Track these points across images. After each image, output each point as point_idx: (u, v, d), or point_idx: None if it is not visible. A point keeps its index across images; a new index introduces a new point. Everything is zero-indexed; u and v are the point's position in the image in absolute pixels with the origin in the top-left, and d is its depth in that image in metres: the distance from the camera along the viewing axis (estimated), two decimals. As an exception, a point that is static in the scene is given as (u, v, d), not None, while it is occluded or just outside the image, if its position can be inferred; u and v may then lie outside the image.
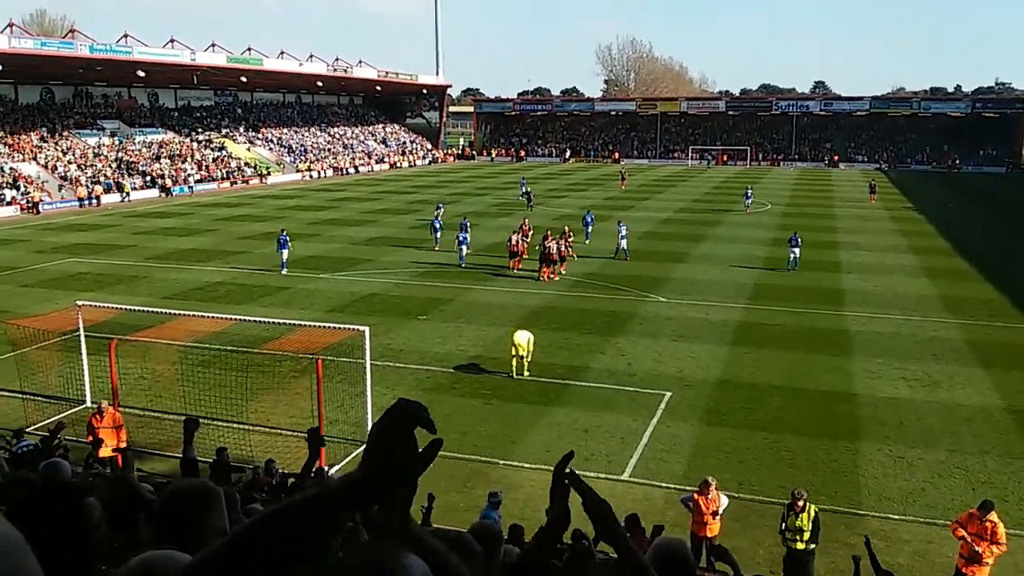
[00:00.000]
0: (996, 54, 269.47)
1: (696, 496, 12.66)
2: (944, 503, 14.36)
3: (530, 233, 36.95)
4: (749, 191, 56.31)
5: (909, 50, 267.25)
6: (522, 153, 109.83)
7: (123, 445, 15.26)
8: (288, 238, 34.38)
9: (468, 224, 38.42)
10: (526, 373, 20.82)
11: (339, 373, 19.14)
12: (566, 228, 35.63)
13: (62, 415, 17.95)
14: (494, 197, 61.47)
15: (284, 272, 33.42)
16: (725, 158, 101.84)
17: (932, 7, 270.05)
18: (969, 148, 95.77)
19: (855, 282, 32.26)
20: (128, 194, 62.67)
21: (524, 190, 57.19)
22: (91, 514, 3.40)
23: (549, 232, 33.89)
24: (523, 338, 20.79)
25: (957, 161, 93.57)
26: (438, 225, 39.84)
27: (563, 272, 33.00)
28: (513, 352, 20.86)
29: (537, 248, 33.46)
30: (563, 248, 32.74)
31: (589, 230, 41.01)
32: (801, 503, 11.95)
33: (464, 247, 35.16)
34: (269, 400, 19.13)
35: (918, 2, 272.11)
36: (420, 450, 1.72)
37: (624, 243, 36.47)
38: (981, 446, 16.85)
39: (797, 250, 34.73)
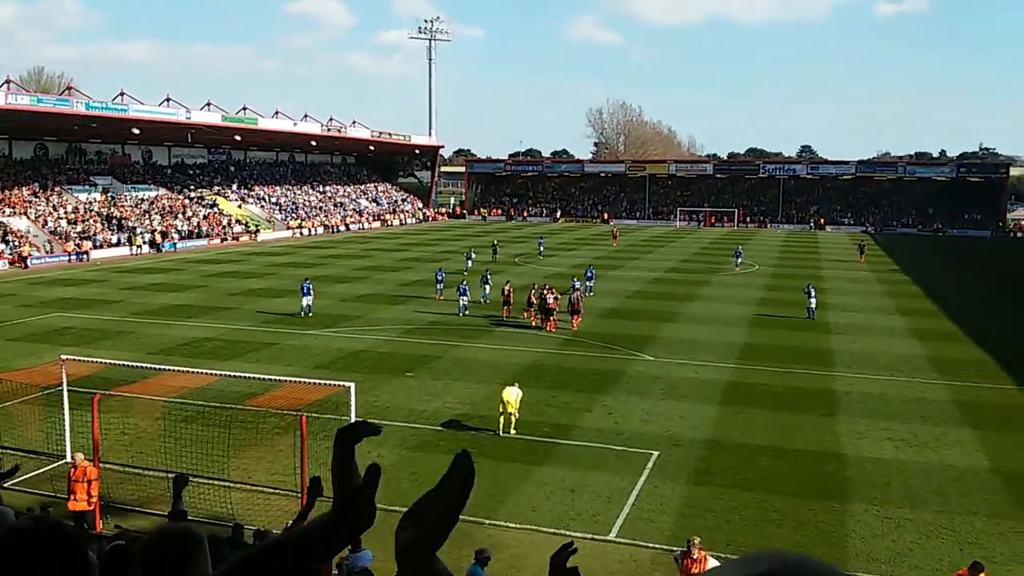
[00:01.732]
0: (980, 120, 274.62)
1: (683, 556, 12.53)
2: (932, 564, 14.22)
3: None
4: (739, 251, 57.48)
5: (894, 115, 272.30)
6: (512, 212, 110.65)
7: (93, 501, 15.07)
8: (311, 286, 37.22)
9: (489, 276, 41.85)
10: (512, 431, 20.67)
11: (323, 430, 18.95)
12: (548, 285, 36.18)
13: (41, 470, 17.75)
14: (486, 255, 61.57)
15: (303, 316, 35.98)
16: (713, 220, 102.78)
17: (917, 74, 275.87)
18: (954, 212, 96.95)
19: (843, 342, 32.33)
20: (140, 247, 64.46)
21: (540, 248, 62.82)
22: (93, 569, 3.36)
23: (547, 285, 35.76)
24: (512, 395, 20.67)
25: (940, 226, 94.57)
26: (441, 275, 42.19)
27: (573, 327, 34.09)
28: (501, 409, 20.74)
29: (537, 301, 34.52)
30: (551, 302, 33.76)
31: (591, 284, 42.30)
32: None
33: (465, 298, 37.23)
34: (252, 457, 18.91)
35: (903, 68, 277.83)
36: (361, 479, 1.74)
37: (591, 284, 41.49)
38: (969, 507, 16.75)
39: (813, 300, 37.21)
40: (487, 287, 40.55)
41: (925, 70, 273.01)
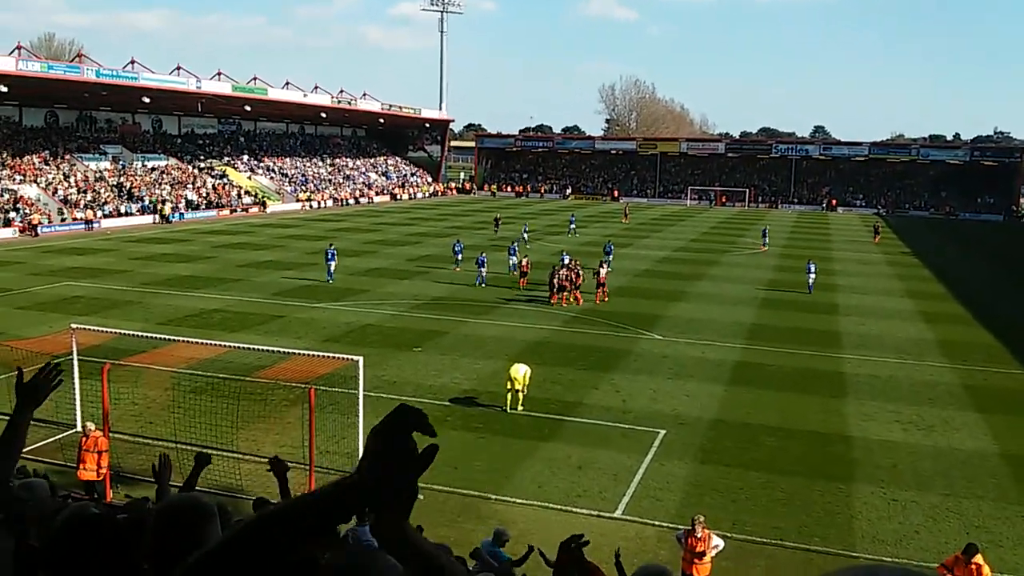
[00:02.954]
0: (995, 103, 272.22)
1: (687, 534, 12.56)
2: (938, 546, 14.22)
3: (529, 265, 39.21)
4: (766, 230, 58.83)
5: (909, 98, 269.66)
6: (520, 189, 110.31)
7: (103, 472, 15.17)
8: (336, 252, 39.29)
9: (516, 247, 43.31)
10: (520, 407, 20.70)
11: (331, 403, 19.06)
12: (576, 261, 37.46)
13: (51, 439, 17.86)
14: (493, 232, 61.46)
15: (330, 281, 37.75)
16: (724, 199, 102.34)
17: (932, 56, 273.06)
18: (967, 196, 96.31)
19: (852, 325, 32.25)
20: (168, 217, 65.37)
21: (572, 226, 61.62)
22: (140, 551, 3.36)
23: (575, 261, 36.51)
24: (520, 371, 20.67)
25: (952, 209, 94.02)
26: (459, 247, 43.67)
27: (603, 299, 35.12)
28: (508, 385, 20.74)
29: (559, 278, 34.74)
30: (576, 277, 34.67)
31: (609, 259, 42.09)
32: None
33: (483, 268, 38.29)
34: (260, 429, 18.99)
35: (918, 51, 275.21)
36: (418, 452, 1.74)
37: (609, 258, 40.97)
38: (975, 491, 16.74)
39: (812, 276, 38.80)
40: (513, 258, 41.74)
41: (941, 52, 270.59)
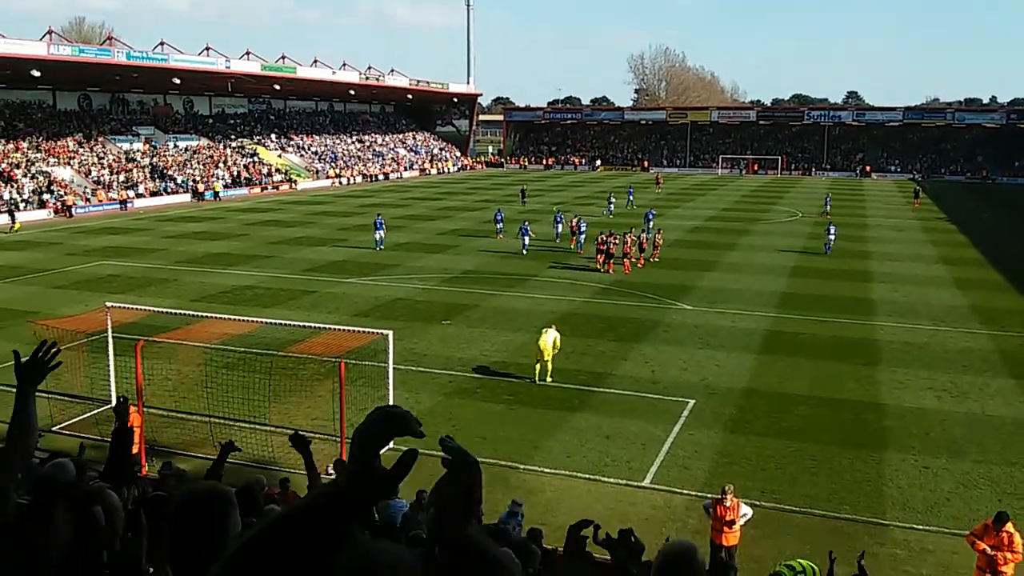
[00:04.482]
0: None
1: (715, 503, 12.56)
2: (969, 514, 14.10)
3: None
4: (828, 197, 59.47)
5: (943, 61, 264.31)
6: (550, 161, 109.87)
7: (135, 449, 15.41)
8: (383, 221, 41.30)
9: (561, 215, 44.71)
10: (549, 379, 20.75)
11: (362, 377, 19.22)
12: (632, 229, 39.14)
13: (87, 415, 18.21)
14: (520, 205, 61.32)
15: (379, 248, 39.87)
16: (756, 167, 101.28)
17: (967, 18, 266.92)
18: (1003, 159, 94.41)
19: (885, 292, 31.88)
20: (218, 193, 67.50)
21: (630, 198, 60.81)
22: (98, 519, 3.51)
23: (610, 231, 36.67)
24: (549, 340, 20.65)
25: (988, 173, 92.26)
26: (500, 216, 45.15)
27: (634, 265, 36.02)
28: (537, 356, 20.80)
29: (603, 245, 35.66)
30: (625, 246, 35.95)
31: (650, 225, 43.12)
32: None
33: (526, 237, 39.63)
34: (292, 402, 19.23)
35: (952, 13, 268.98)
36: (396, 461, 1.81)
37: (582, 238, 40.31)
38: (1008, 457, 16.56)
39: (832, 237, 40.04)
40: (559, 226, 43.33)
41: (976, 13, 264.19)
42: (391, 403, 17.07)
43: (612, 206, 56.63)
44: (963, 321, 27.54)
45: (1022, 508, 14.05)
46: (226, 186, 70.00)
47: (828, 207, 56.69)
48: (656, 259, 37.60)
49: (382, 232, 40.72)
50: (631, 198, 60.82)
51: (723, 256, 39.57)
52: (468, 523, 2.05)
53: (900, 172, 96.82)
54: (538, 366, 20.84)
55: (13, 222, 49.41)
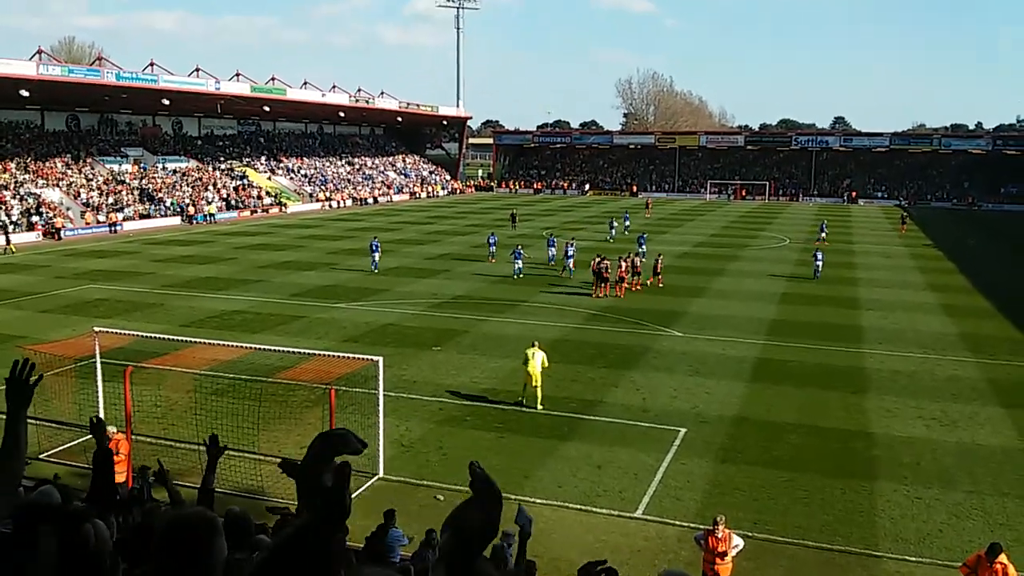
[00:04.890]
0: (1018, 92, 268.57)
1: (706, 535, 12.51)
2: (962, 545, 14.09)
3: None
4: (823, 224, 59.54)
5: (930, 87, 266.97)
6: (539, 185, 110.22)
7: (120, 478, 15.24)
8: (379, 244, 42.32)
9: (554, 239, 45.49)
10: (540, 406, 20.69)
11: (352, 403, 19.13)
12: (629, 254, 39.40)
13: (75, 442, 18.02)
14: (510, 229, 61.44)
15: (375, 271, 40.77)
16: (743, 192, 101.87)
17: (953, 45, 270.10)
18: (990, 186, 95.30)
19: (873, 319, 32.00)
20: (213, 215, 67.76)
21: (626, 223, 60.98)
22: (88, 538, 3.43)
23: (603, 256, 36.96)
24: (537, 365, 20.67)
25: (974, 200, 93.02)
26: (494, 239, 46.05)
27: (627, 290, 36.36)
28: (526, 380, 20.83)
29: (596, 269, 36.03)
30: (620, 271, 36.20)
31: (643, 249, 43.57)
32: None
33: (519, 261, 40.00)
34: (281, 430, 19.09)
35: (939, 40, 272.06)
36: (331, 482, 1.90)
37: (571, 263, 40.22)
38: (1000, 487, 16.57)
39: (820, 263, 40.83)
40: (552, 249, 44.20)
41: (963, 41, 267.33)
42: (380, 431, 17.02)
43: (614, 231, 57.19)
44: (952, 349, 27.65)
45: (1015, 539, 14.04)
46: (219, 208, 70.04)
47: (824, 234, 56.90)
48: (660, 284, 38.00)
49: (378, 255, 41.44)
50: (627, 223, 61.22)
51: (712, 282, 39.68)
52: (481, 552, 2.10)
53: (887, 198, 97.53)
54: (527, 389, 20.82)
55: (7, 243, 49.23)
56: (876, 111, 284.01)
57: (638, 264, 38.02)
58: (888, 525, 15.00)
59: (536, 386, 20.68)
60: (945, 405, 21.67)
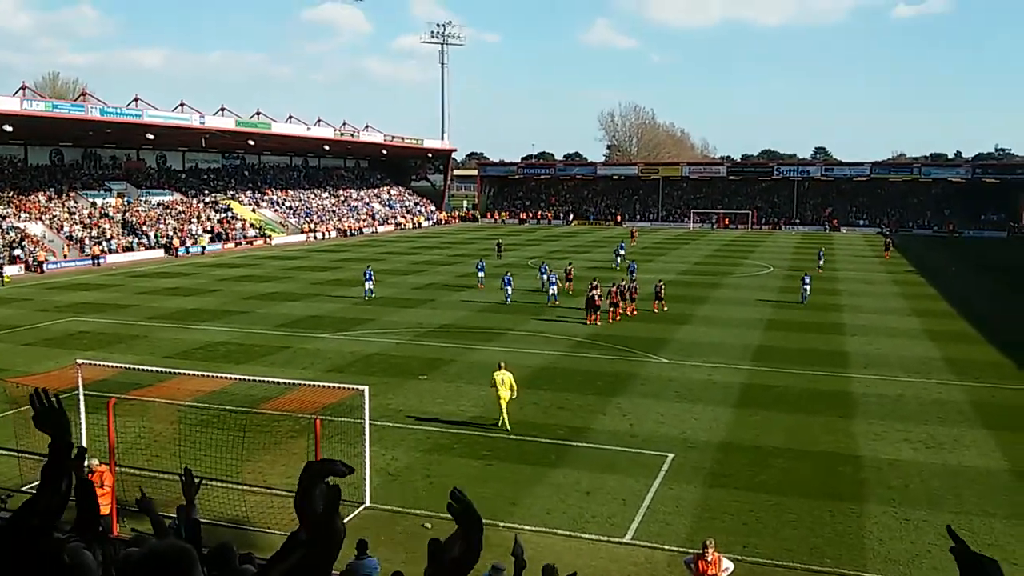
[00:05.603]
0: (996, 121, 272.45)
1: (696, 558, 12.46)
2: (951, 566, 13.82)
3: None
4: (821, 252, 60.57)
5: (909, 117, 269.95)
6: (524, 216, 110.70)
7: (105, 511, 15.06)
8: (373, 273, 43.42)
9: (546, 266, 46.40)
10: (506, 427, 21.06)
11: (338, 433, 19.02)
12: (621, 281, 40.09)
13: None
14: (496, 258, 61.59)
15: (367, 297, 41.48)
16: (727, 221, 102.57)
17: (933, 75, 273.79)
18: (970, 213, 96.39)
19: (858, 344, 32.16)
20: (204, 247, 68.38)
21: (621, 253, 60.71)
22: (65, 567, 3.33)
23: (595, 281, 37.44)
24: (505, 392, 21.01)
25: (955, 227, 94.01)
26: (482, 266, 47.47)
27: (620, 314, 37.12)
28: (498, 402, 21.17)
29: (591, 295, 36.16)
30: (612, 296, 36.79)
31: (633, 276, 44.01)
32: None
33: (509, 288, 40.86)
34: (267, 460, 18.95)
35: (919, 70, 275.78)
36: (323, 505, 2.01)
37: (554, 289, 40.86)
38: (986, 508, 16.60)
39: (807, 287, 41.72)
40: (543, 275, 45.04)
41: (941, 71, 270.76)
42: (366, 460, 16.92)
43: (620, 258, 58.64)
44: (937, 373, 27.78)
45: (1003, 559, 13.96)
46: (211, 240, 70.23)
47: (822, 261, 57.55)
48: (665, 309, 38.91)
49: (371, 283, 42.37)
50: (622, 251, 61.32)
51: (698, 309, 39.82)
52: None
53: (868, 226, 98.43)
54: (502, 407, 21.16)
55: (1, 275, 49.20)
56: (856, 141, 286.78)
57: (634, 289, 38.85)
58: (877, 546, 14.99)
59: (503, 409, 20.90)
60: (931, 428, 21.74)
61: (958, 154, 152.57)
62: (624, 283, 39.07)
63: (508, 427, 21.09)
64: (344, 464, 2.04)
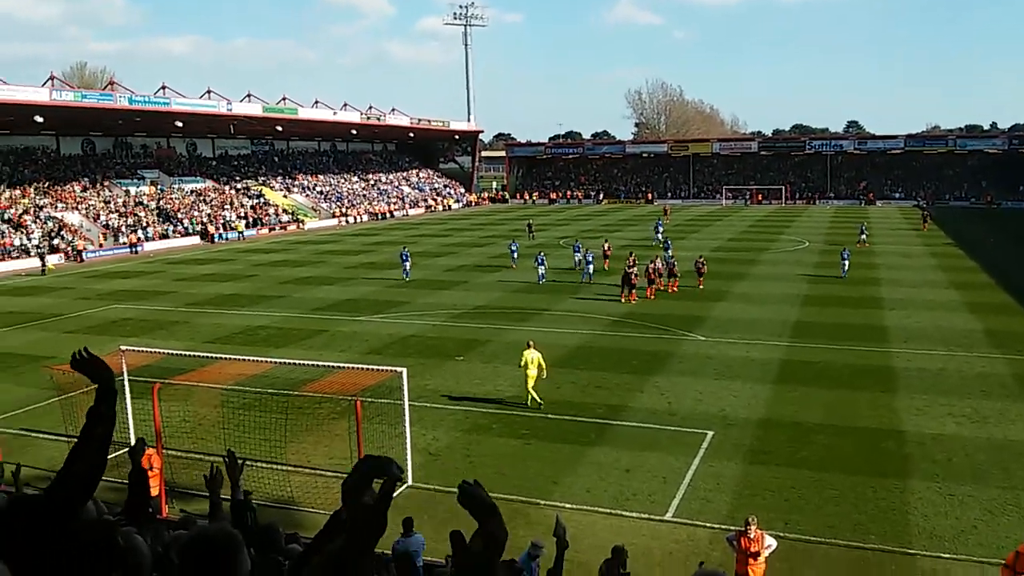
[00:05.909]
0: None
1: (738, 535, 12.45)
2: (997, 541, 13.95)
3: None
4: (863, 226, 59.44)
5: (943, 88, 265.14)
6: (554, 195, 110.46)
7: (154, 492, 15.32)
8: (409, 253, 43.84)
9: (580, 244, 47.22)
10: (533, 402, 21.17)
11: (378, 414, 19.19)
12: (656, 257, 40.12)
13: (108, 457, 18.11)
14: (528, 239, 61.56)
15: (406, 279, 41.96)
16: (760, 197, 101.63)
17: (965, 46, 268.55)
18: (1008, 184, 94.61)
19: (898, 318, 31.81)
20: (242, 233, 69.39)
21: (661, 230, 60.77)
22: (118, 550, 3.33)
23: (632, 256, 37.41)
24: (533, 369, 21.06)
25: (993, 198, 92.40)
26: (515, 246, 47.58)
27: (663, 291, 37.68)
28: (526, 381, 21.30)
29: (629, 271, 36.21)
30: (649, 273, 36.97)
31: (668, 254, 43.25)
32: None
33: (542, 267, 40.82)
34: (309, 441, 19.18)
35: (951, 41, 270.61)
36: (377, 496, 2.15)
37: (591, 268, 41.05)
38: (1035, 483, 16.42)
39: (847, 262, 41.34)
40: (577, 254, 45.06)
41: (974, 41, 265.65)
42: (407, 441, 17.08)
43: (660, 234, 58.54)
44: (978, 346, 27.44)
45: (1051, 533, 13.89)
46: (248, 226, 70.96)
47: (864, 235, 56.38)
48: (701, 287, 38.81)
49: (408, 263, 42.84)
50: (661, 228, 61.34)
51: (734, 286, 39.56)
52: (493, 566, 2.23)
53: (904, 199, 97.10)
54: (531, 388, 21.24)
55: (44, 265, 50.36)
56: (889, 114, 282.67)
57: (674, 266, 38.77)
58: (921, 522, 14.88)
59: (530, 387, 21.07)
60: (975, 402, 21.49)
61: (994, 125, 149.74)
62: (659, 260, 38.89)
63: (539, 401, 21.12)
64: (398, 467, 2.14)
